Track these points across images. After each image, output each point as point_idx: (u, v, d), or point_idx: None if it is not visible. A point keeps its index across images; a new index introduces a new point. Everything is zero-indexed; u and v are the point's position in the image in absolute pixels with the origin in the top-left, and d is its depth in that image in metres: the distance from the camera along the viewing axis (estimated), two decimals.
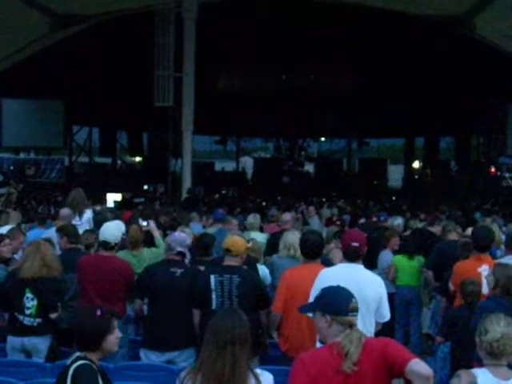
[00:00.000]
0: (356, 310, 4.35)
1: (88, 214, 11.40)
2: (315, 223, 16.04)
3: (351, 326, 4.29)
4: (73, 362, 4.51)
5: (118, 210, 14.29)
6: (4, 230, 10.43)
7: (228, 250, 7.17)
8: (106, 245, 7.72)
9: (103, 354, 4.66)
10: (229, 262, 7.13)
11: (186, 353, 7.18)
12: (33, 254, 7.47)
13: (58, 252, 8.82)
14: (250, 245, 8.20)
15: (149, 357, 7.22)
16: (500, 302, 6.54)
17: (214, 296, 6.89)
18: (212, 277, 6.95)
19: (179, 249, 7.46)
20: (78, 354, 4.57)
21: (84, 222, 11.08)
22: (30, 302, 7.30)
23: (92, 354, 4.57)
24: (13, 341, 7.30)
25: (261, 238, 10.88)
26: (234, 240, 7.33)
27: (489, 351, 4.37)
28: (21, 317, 7.31)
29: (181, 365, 6.83)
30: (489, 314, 4.56)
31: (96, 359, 4.59)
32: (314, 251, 7.12)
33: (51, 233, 9.99)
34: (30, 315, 7.29)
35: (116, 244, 7.78)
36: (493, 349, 4.35)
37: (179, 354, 7.18)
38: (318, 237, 7.53)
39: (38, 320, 7.28)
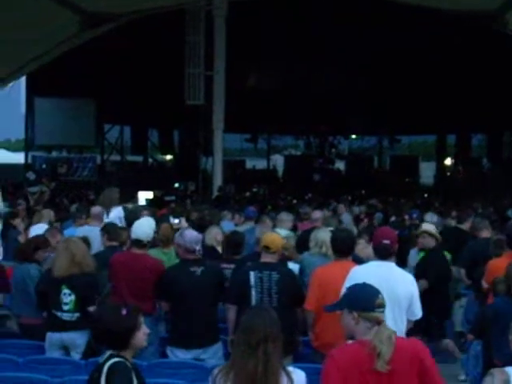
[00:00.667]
0: (382, 306, 4.38)
1: (116, 211, 11.48)
2: (347, 220, 16.00)
3: (379, 322, 4.30)
4: (107, 360, 4.53)
5: (150, 208, 14.37)
6: (38, 228, 10.56)
7: (267, 247, 7.22)
8: (138, 243, 7.78)
9: (134, 350, 4.69)
10: (267, 258, 7.18)
11: (210, 350, 7.22)
12: (63, 253, 7.60)
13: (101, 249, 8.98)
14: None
15: (175, 354, 7.27)
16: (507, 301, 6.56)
17: (253, 292, 6.94)
18: (252, 273, 7.00)
19: (197, 247, 7.49)
20: (110, 351, 4.59)
21: (111, 219, 11.17)
22: (68, 298, 7.43)
23: (124, 351, 4.60)
24: (52, 337, 7.44)
25: (283, 233, 10.89)
26: (273, 237, 7.41)
27: None
28: (59, 313, 7.44)
29: (210, 362, 6.88)
30: None
31: (129, 357, 4.62)
32: (344, 248, 7.13)
33: (85, 231, 10.10)
34: (68, 310, 7.44)
35: (148, 242, 7.84)
36: None
37: (203, 352, 7.23)
38: (349, 234, 7.55)
39: (77, 314, 7.44)
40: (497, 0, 24.32)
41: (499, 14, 25.43)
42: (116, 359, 4.52)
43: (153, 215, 11.14)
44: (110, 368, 4.48)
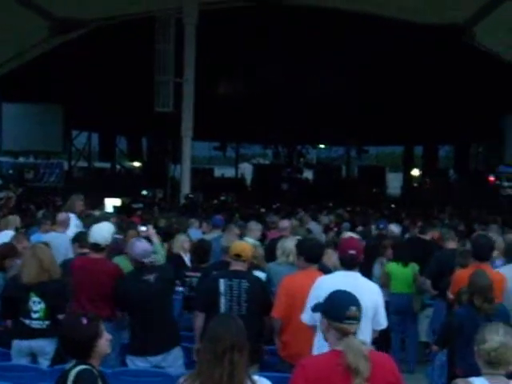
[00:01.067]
0: (354, 318, 4.35)
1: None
2: (316, 230, 16.03)
3: (346, 333, 4.30)
4: (73, 367, 4.50)
5: (118, 215, 14.32)
6: (5, 235, 10.46)
7: (238, 256, 7.21)
8: (96, 247, 7.75)
9: (99, 358, 4.66)
10: (237, 266, 7.17)
11: (169, 357, 7.20)
12: (30, 260, 7.51)
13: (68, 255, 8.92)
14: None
15: (135, 363, 7.24)
16: (468, 310, 6.65)
17: (222, 300, 6.92)
18: (221, 281, 6.99)
19: (146, 260, 7.43)
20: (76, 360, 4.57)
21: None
22: (38, 306, 7.34)
23: (89, 359, 4.57)
24: (19, 344, 7.34)
25: (251, 243, 10.90)
26: (244, 246, 7.41)
27: (487, 360, 4.37)
28: (27, 321, 7.35)
29: (170, 370, 6.87)
30: (487, 323, 4.58)
31: (96, 364, 4.59)
32: (312, 255, 7.14)
33: (51, 237, 10.02)
34: (38, 318, 7.35)
35: (106, 246, 7.80)
36: (490, 358, 4.35)
37: (163, 359, 7.20)
38: (317, 242, 7.59)
39: (47, 322, 7.34)
40: (465, 14, 24.63)
41: (467, 27, 25.75)
42: (82, 366, 4.50)
43: (120, 222, 11.12)
44: (76, 375, 4.45)
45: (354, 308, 4.37)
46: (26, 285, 7.38)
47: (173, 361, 7.17)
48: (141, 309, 7.24)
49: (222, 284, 6.97)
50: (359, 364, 4.15)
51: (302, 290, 6.75)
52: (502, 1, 21.87)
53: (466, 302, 6.98)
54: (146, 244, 7.72)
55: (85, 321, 4.62)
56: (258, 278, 7.53)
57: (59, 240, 9.74)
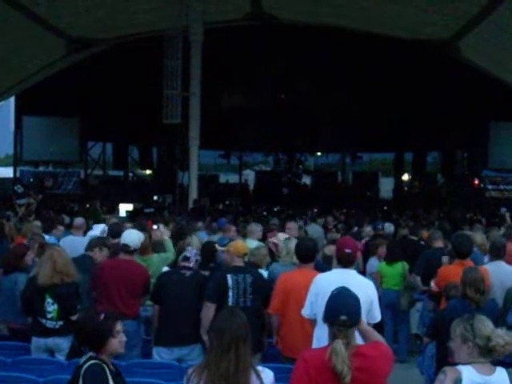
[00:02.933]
0: (343, 325, 4.32)
1: (101, 227, 11.40)
2: (317, 231, 16.03)
3: (335, 337, 4.31)
4: (85, 362, 4.50)
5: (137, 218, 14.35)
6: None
7: (245, 254, 7.33)
8: (126, 248, 7.83)
9: (111, 355, 4.65)
10: (237, 263, 7.23)
11: (194, 352, 7.21)
12: (46, 262, 7.51)
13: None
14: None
15: (161, 355, 7.26)
16: (463, 303, 6.65)
17: (230, 294, 6.97)
18: (229, 276, 7.05)
19: (187, 254, 7.80)
20: (90, 353, 4.56)
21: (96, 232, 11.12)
22: (51, 307, 7.36)
23: (101, 354, 4.55)
24: (37, 341, 7.38)
25: (254, 245, 10.89)
26: (239, 244, 7.46)
27: (482, 346, 4.35)
28: (43, 320, 7.37)
29: (189, 363, 6.86)
30: (476, 316, 4.56)
31: (107, 359, 4.57)
32: (307, 255, 7.18)
33: (69, 240, 10.04)
34: (51, 319, 7.36)
35: (134, 249, 7.88)
36: (487, 344, 4.34)
37: (188, 353, 7.22)
38: (312, 242, 7.63)
39: (60, 323, 7.35)
40: (450, 29, 24.64)
41: (453, 42, 25.77)
42: (93, 361, 4.48)
43: (143, 224, 11.22)
44: (85, 370, 4.45)
45: (343, 317, 4.33)
46: (41, 286, 7.39)
47: (197, 356, 7.17)
48: (173, 301, 7.36)
49: (230, 279, 7.03)
50: (343, 368, 4.17)
51: (296, 286, 6.83)
52: (484, 17, 21.85)
53: (460, 294, 6.99)
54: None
55: (102, 316, 4.62)
56: (260, 273, 7.61)
57: (76, 243, 9.76)
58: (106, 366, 4.52)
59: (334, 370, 4.18)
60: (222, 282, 7.07)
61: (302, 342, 6.35)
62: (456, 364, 4.44)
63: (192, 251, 7.86)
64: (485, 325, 4.44)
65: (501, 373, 4.36)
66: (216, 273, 7.52)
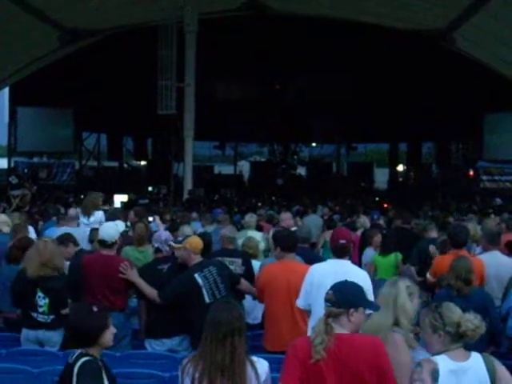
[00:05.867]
0: (328, 301, 4.40)
1: (98, 215, 11.39)
2: (315, 219, 16.15)
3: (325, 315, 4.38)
4: (76, 359, 4.41)
5: (125, 210, 14.33)
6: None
7: (194, 250, 7.27)
8: (103, 243, 7.74)
9: (101, 348, 4.58)
10: (198, 259, 7.18)
11: (185, 342, 7.20)
12: (33, 254, 7.47)
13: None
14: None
15: (152, 346, 7.25)
16: (447, 292, 6.68)
17: (204, 291, 6.91)
18: (196, 275, 6.98)
19: (156, 245, 7.69)
20: (79, 350, 4.48)
21: (92, 222, 11.09)
22: (42, 301, 7.30)
23: (92, 349, 4.48)
24: (27, 333, 7.33)
25: (258, 236, 10.91)
26: (194, 240, 7.39)
27: (453, 333, 4.37)
28: (35, 314, 7.32)
29: (182, 353, 6.86)
30: (442, 304, 4.57)
31: (97, 354, 4.51)
32: (287, 244, 7.16)
33: (64, 231, 10.00)
34: (43, 313, 7.30)
35: (113, 243, 7.75)
36: (457, 331, 4.36)
37: (179, 343, 7.21)
38: (292, 233, 7.67)
39: (52, 316, 7.29)
40: (445, 20, 24.65)
41: (447, 32, 25.78)
42: (86, 358, 4.41)
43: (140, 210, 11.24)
44: (80, 367, 4.36)
45: (330, 292, 4.42)
46: (32, 279, 7.35)
47: (188, 346, 7.15)
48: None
49: (198, 277, 6.98)
50: (315, 339, 4.25)
51: (273, 277, 6.89)
52: (479, 7, 21.85)
53: (446, 285, 7.01)
54: (161, 232, 7.99)
55: (95, 309, 4.59)
56: (217, 260, 7.63)
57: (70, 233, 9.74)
58: (99, 362, 4.47)
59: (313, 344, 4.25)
60: (191, 285, 6.95)
61: (289, 335, 6.33)
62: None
63: (159, 238, 7.69)
64: (453, 311, 4.46)
65: (476, 357, 4.38)
66: (182, 274, 7.37)
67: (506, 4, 20.89)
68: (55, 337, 7.27)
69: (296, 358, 4.29)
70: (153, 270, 7.48)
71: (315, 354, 4.21)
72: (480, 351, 4.47)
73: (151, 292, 7.17)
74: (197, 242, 7.29)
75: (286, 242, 7.18)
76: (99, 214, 11.39)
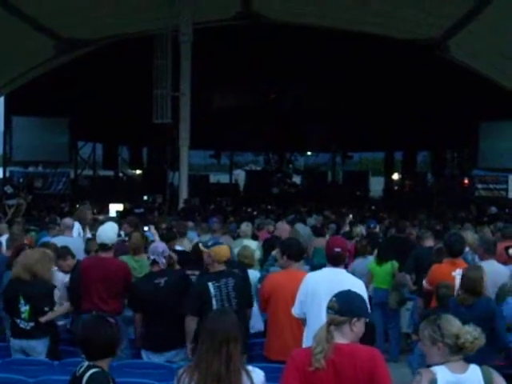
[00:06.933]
0: (331, 308, 4.41)
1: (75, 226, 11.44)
2: (304, 230, 16.07)
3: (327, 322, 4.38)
4: (85, 371, 4.37)
5: (120, 219, 14.33)
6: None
7: (218, 259, 7.22)
8: (104, 246, 7.75)
9: (111, 360, 4.55)
10: (219, 268, 7.13)
11: (182, 353, 7.19)
12: (19, 258, 7.56)
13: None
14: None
15: (150, 358, 7.25)
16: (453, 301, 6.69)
17: (214, 302, 6.86)
18: (210, 284, 6.94)
19: (152, 257, 7.59)
20: (87, 363, 4.43)
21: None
22: (23, 307, 7.31)
23: (101, 361, 4.44)
24: (13, 343, 7.34)
25: (253, 245, 10.91)
26: (222, 248, 7.32)
27: (452, 345, 4.39)
28: (18, 320, 7.32)
29: (179, 364, 6.84)
30: (441, 316, 4.59)
31: (106, 367, 4.47)
32: (295, 253, 7.16)
33: (58, 240, 10.01)
34: (24, 319, 7.29)
35: (113, 245, 7.81)
36: (456, 343, 4.39)
37: (176, 354, 7.20)
38: (297, 240, 7.68)
39: (31, 324, 7.28)
40: (439, 29, 24.71)
41: (442, 42, 25.85)
42: (95, 369, 4.38)
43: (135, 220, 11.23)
44: (89, 378, 4.32)
45: (333, 299, 4.44)
46: (16, 286, 7.37)
47: (185, 356, 7.13)
48: (152, 310, 7.29)
49: (211, 287, 6.93)
50: (316, 347, 4.25)
51: (282, 288, 6.84)
52: (473, 17, 21.92)
53: (449, 293, 7.03)
54: (157, 244, 7.95)
55: (113, 320, 4.54)
56: (240, 274, 7.55)
57: (66, 243, 9.73)
58: (108, 375, 4.43)
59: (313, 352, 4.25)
60: (204, 292, 6.91)
61: (294, 345, 6.32)
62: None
63: (155, 251, 7.59)
64: (451, 324, 4.49)
65: (474, 370, 4.40)
66: (197, 282, 7.36)
67: (499, 14, 20.96)
68: (39, 346, 7.26)
69: (295, 369, 4.29)
70: (150, 284, 7.42)
71: (315, 363, 4.21)
72: (487, 363, 4.49)
73: None
74: (222, 251, 7.22)
75: (293, 251, 7.17)
76: (76, 225, 11.45)
